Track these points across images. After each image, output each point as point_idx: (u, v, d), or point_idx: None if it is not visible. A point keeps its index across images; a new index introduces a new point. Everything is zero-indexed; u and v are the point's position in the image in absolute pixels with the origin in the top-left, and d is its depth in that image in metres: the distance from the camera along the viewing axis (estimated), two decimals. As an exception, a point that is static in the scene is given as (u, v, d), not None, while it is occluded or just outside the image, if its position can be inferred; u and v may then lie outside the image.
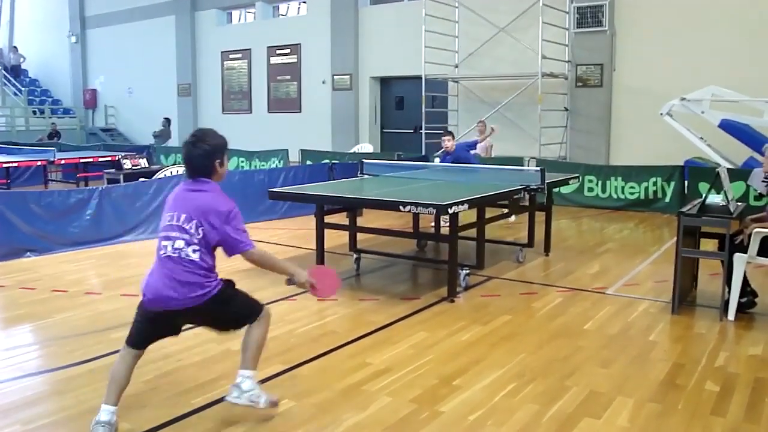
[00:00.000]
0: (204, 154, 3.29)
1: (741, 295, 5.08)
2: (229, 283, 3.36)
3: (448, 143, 8.75)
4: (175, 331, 3.45)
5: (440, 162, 9.27)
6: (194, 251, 3.19)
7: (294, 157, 14.76)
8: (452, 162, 8.67)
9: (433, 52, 13.77)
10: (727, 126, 10.05)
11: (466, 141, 9.23)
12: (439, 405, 3.57)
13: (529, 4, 12.98)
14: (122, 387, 3.32)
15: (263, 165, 14.75)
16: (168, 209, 3.31)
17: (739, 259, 4.98)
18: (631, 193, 10.64)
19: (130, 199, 8.13)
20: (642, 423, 3.38)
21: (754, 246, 4.93)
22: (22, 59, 25.03)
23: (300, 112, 17.79)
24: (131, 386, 3.76)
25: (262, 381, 3.85)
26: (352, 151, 14.61)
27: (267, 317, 3.43)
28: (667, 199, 10.31)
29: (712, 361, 4.22)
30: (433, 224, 7.50)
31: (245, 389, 3.36)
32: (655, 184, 10.42)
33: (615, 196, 10.80)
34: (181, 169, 9.60)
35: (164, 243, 3.23)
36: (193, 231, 3.20)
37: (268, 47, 18.34)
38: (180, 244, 3.19)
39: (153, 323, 3.33)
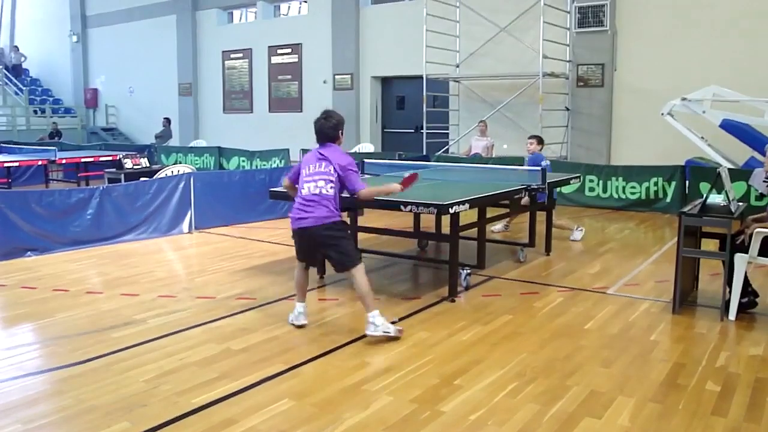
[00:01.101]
0: (333, 126, 4.75)
1: (742, 295, 5.07)
2: (345, 223, 4.77)
3: (531, 146, 8.33)
4: (314, 253, 4.85)
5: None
6: (330, 188, 4.61)
7: (295, 156, 14.75)
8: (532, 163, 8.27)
9: (434, 51, 13.77)
10: (728, 126, 10.05)
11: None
12: (439, 405, 3.57)
13: (530, 3, 12.98)
14: (305, 288, 4.91)
15: (264, 164, 14.75)
16: (308, 163, 4.70)
17: (740, 259, 4.98)
18: (632, 193, 10.64)
19: (131, 199, 8.13)
20: (643, 423, 3.38)
21: (755, 246, 4.92)
22: (23, 58, 25.04)
23: (301, 111, 17.78)
24: (131, 385, 3.79)
25: (261, 381, 3.87)
26: (353, 150, 14.61)
27: (363, 268, 4.65)
28: (668, 199, 10.30)
29: (713, 361, 4.22)
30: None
31: (378, 324, 4.52)
32: (656, 184, 10.41)
33: (616, 196, 10.79)
34: (182, 169, 9.61)
35: (307, 185, 4.63)
36: (331, 173, 4.62)
37: (269, 47, 18.35)
38: (321, 183, 4.61)
39: (298, 240, 4.79)
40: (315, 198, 4.60)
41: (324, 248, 4.71)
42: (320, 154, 4.73)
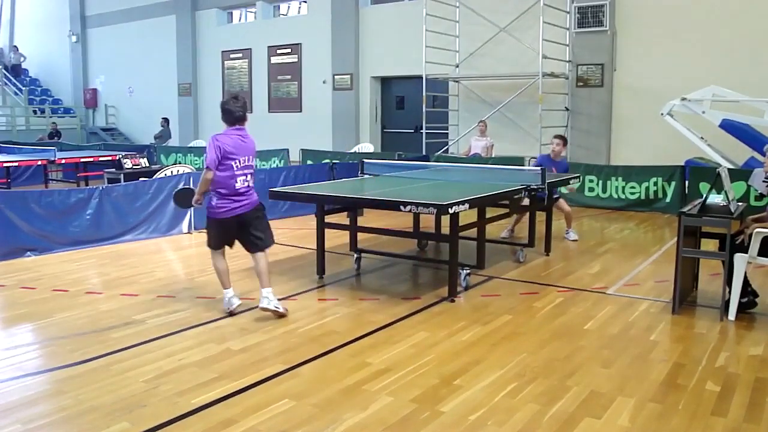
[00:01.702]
0: (244, 106, 5.04)
1: (742, 295, 5.08)
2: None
3: (557, 147, 8.12)
4: (235, 237, 5.14)
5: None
6: (252, 178, 5.05)
7: (295, 156, 14.76)
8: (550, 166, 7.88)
9: (434, 51, 13.77)
10: (728, 126, 10.05)
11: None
12: (439, 405, 3.57)
13: (530, 3, 12.97)
14: (227, 273, 5.21)
15: (264, 164, 14.74)
16: (240, 155, 4.93)
17: (739, 259, 4.98)
18: (632, 193, 10.64)
19: (130, 199, 8.13)
20: (643, 423, 3.38)
21: (754, 246, 4.92)
22: (22, 59, 25.02)
23: (301, 111, 17.79)
24: (131, 386, 3.79)
25: (260, 382, 3.87)
26: (352, 150, 14.61)
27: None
28: (668, 199, 10.30)
29: (712, 361, 4.22)
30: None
31: (271, 298, 4.99)
32: (655, 184, 10.42)
33: (615, 196, 10.79)
34: (181, 169, 9.60)
35: (240, 179, 4.93)
36: (252, 164, 5.06)
37: (269, 47, 18.34)
38: (249, 177, 5.00)
39: (226, 227, 5.05)
40: (246, 189, 4.99)
41: (251, 228, 5.05)
42: (247, 142, 5.02)
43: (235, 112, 4.95)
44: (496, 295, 5.75)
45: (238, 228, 5.06)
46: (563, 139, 8.25)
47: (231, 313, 5.11)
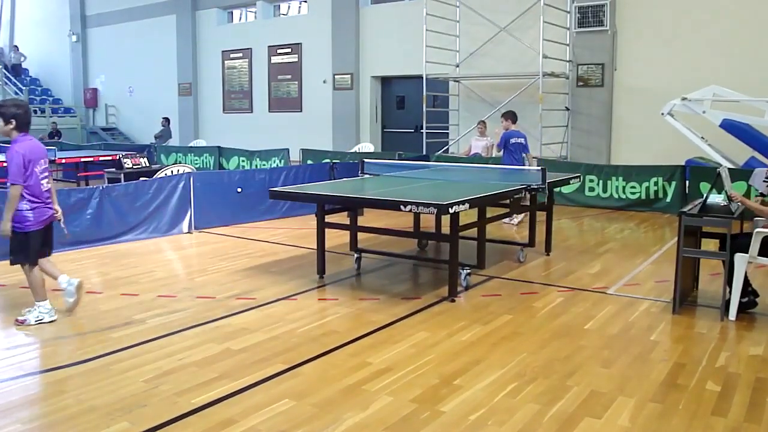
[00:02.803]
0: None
1: (742, 295, 5.07)
2: None
3: (502, 124, 9.15)
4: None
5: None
6: (49, 181, 4.95)
7: (295, 156, 14.77)
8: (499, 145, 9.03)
9: (434, 51, 13.77)
10: (729, 126, 10.04)
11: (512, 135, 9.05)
12: (439, 405, 3.56)
13: (530, 3, 12.97)
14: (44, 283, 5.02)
15: (264, 164, 14.75)
16: (41, 157, 4.87)
17: (740, 259, 4.98)
18: (632, 193, 10.64)
19: (130, 199, 8.13)
20: (643, 423, 3.38)
21: (755, 246, 4.92)
22: (22, 58, 25.02)
23: (301, 111, 17.79)
24: (131, 385, 3.79)
25: (261, 381, 3.87)
26: (352, 150, 14.61)
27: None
28: (668, 199, 10.30)
29: (713, 361, 4.22)
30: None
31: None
32: (656, 183, 10.42)
33: (616, 195, 10.79)
34: (182, 169, 9.59)
35: (45, 180, 4.86)
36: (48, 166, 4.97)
37: (269, 46, 18.34)
38: (49, 180, 4.92)
39: (44, 234, 5.00)
40: (49, 193, 4.93)
41: (50, 232, 5.09)
42: (40, 145, 4.96)
43: (29, 119, 4.89)
44: (496, 295, 5.75)
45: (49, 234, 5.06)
46: (503, 115, 9.24)
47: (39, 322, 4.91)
